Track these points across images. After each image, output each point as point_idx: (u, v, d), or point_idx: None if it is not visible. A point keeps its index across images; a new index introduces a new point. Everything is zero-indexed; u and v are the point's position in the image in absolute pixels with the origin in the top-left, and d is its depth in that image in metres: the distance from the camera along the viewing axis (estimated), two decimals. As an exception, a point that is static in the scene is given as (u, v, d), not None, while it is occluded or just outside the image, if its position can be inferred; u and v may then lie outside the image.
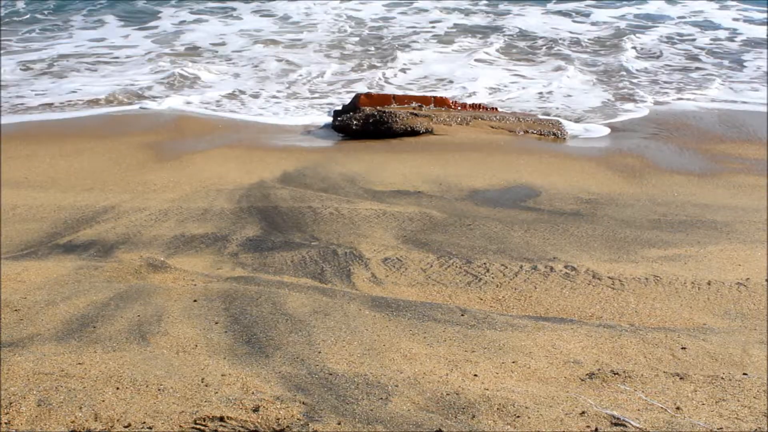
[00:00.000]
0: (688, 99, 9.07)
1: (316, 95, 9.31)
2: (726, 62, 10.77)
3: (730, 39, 12.06)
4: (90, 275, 3.58)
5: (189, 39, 12.19)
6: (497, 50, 11.50)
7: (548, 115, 8.34)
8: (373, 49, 11.60)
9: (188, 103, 8.84)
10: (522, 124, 7.67)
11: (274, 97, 9.20)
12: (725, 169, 6.31)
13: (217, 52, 11.43)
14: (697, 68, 10.52)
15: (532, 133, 7.51)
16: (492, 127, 7.58)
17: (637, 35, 12.31)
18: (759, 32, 12.40)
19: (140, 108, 8.63)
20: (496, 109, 8.22)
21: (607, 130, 7.85)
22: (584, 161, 6.55)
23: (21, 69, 10.41)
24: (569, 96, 9.22)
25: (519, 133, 7.50)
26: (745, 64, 10.65)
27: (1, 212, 5.01)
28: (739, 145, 7.11)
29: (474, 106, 8.16)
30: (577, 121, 8.23)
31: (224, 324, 2.94)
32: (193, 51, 11.50)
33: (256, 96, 9.21)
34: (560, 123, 7.80)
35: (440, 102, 8.07)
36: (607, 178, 6.03)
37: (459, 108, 8.07)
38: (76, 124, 7.97)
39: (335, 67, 10.59)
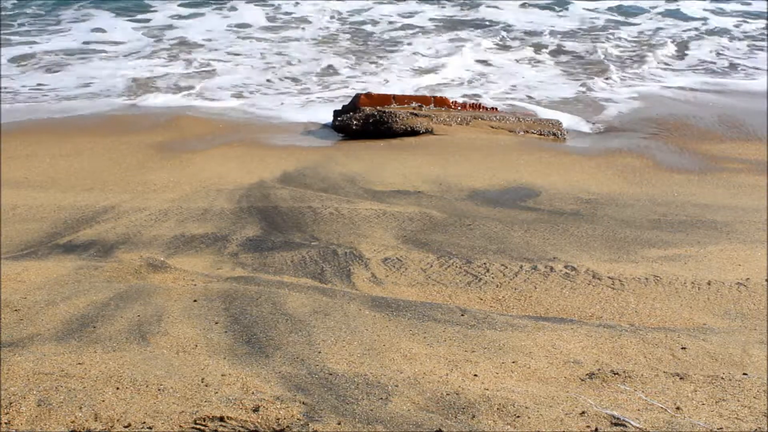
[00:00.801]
0: (665, 86, 9.42)
1: (316, 94, 9.32)
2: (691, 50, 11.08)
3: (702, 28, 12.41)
4: (90, 275, 3.58)
5: (182, 34, 12.15)
6: (483, 44, 11.64)
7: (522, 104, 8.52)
8: (366, 46, 11.62)
9: (187, 102, 8.84)
10: (522, 124, 7.67)
11: (275, 96, 9.20)
12: (725, 169, 6.31)
13: (215, 48, 11.42)
14: (671, 57, 10.81)
15: (532, 133, 7.51)
16: (492, 127, 7.59)
17: (612, 29, 12.55)
18: (725, 23, 12.82)
19: (138, 105, 8.64)
20: (496, 109, 8.22)
21: (587, 124, 7.99)
22: (584, 161, 6.55)
23: (14, 65, 10.42)
24: (547, 88, 9.40)
25: (519, 133, 7.50)
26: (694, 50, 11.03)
27: (1, 212, 5.01)
28: (739, 145, 7.11)
29: (474, 106, 8.16)
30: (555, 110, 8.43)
31: (224, 324, 2.94)
32: (188, 47, 11.49)
33: (255, 95, 9.21)
34: (560, 123, 7.80)
35: (440, 102, 8.07)
36: (607, 178, 6.03)
37: (459, 108, 8.07)
38: (76, 123, 7.97)
39: (331, 65, 10.62)
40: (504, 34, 12.14)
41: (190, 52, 11.10)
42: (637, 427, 2.14)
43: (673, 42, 11.62)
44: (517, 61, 10.71)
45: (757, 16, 13.12)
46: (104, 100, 8.91)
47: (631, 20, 13.12)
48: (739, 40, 11.68)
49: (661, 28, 12.52)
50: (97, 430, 2.06)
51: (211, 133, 7.62)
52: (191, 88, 9.50)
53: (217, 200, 5.26)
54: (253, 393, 2.30)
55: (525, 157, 6.62)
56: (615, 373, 2.52)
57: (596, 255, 4.09)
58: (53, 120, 8.12)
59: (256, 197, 5.34)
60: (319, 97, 9.14)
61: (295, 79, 9.91)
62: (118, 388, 2.29)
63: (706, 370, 2.58)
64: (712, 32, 12.16)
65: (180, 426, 2.10)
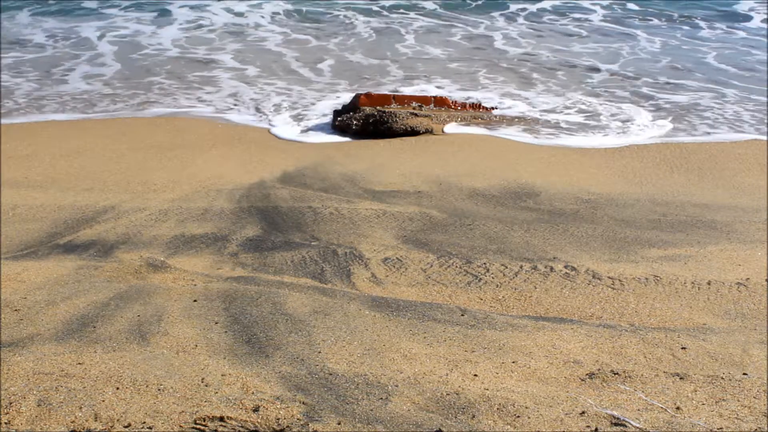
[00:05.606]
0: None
1: (315, 94, 9.31)
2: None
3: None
4: (90, 275, 3.58)
5: (171, 36, 12.07)
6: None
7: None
8: (351, 41, 11.56)
9: (188, 102, 8.84)
10: (522, 124, 7.66)
11: (274, 96, 9.20)
12: (725, 169, 6.31)
13: (212, 49, 11.41)
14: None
15: (532, 132, 7.51)
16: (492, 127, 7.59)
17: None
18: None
19: (139, 106, 8.64)
20: (496, 108, 8.21)
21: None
22: (584, 161, 6.55)
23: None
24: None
25: (519, 132, 7.50)
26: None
27: (1, 212, 5.01)
28: (739, 146, 7.11)
29: (474, 106, 8.16)
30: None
31: (224, 324, 2.94)
32: (183, 49, 11.48)
33: (255, 95, 9.21)
34: (559, 123, 7.80)
35: (440, 102, 8.06)
36: (607, 178, 6.03)
37: (459, 108, 8.07)
38: (76, 124, 7.97)
39: (328, 67, 10.61)
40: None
41: (188, 55, 11.08)
42: (637, 427, 2.14)
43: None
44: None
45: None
46: (103, 98, 8.90)
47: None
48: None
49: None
50: (97, 430, 2.06)
51: (210, 133, 7.62)
52: (190, 89, 9.50)
53: (217, 200, 5.26)
54: (253, 393, 2.30)
55: (525, 157, 6.62)
56: (615, 373, 2.52)
57: (596, 255, 4.09)
58: (53, 120, 8.12)
59: (256, 197, 5.34)
60: (318, 99, 9.13)
61: (292, 79, 9.90)
62: (118, 388, 2.29)
63: (706, 370, 2.58)
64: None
65: (180, 426, 2.10)
